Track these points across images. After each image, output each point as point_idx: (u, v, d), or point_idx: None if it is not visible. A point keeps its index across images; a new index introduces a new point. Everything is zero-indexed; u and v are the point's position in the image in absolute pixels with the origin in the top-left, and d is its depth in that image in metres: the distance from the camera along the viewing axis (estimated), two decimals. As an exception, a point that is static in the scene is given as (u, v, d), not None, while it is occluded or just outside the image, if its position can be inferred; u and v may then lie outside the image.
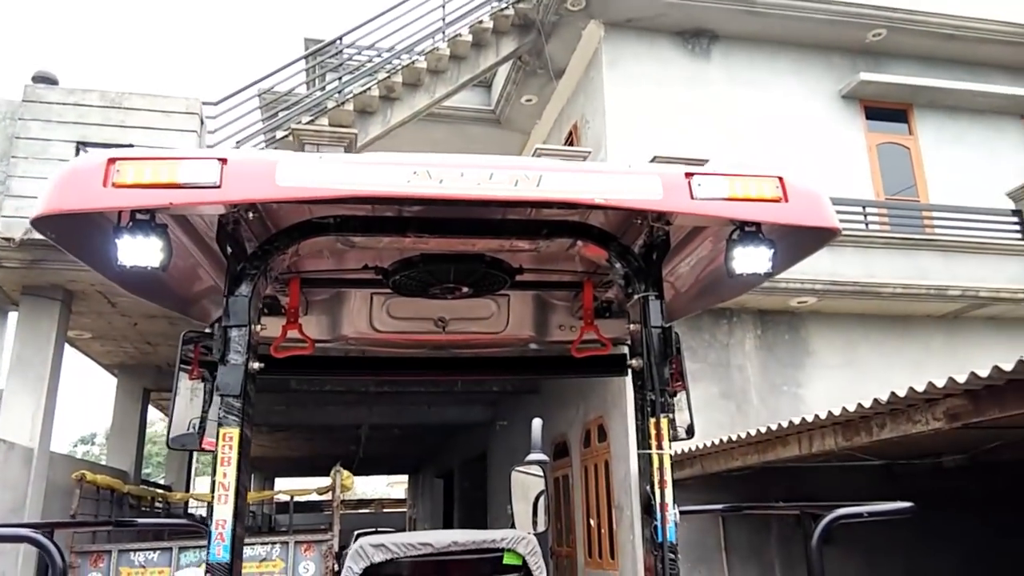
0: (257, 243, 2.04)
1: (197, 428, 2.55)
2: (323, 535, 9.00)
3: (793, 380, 9.99)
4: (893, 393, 5.02)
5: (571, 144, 12.12)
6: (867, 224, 10.62)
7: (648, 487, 1.91)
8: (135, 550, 8.61)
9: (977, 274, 10.30)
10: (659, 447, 1.89)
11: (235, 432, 1.80)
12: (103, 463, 12.46)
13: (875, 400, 5.20)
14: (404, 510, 37.64)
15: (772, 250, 1.87)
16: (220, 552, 1.71)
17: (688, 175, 1.78)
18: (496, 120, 13.99)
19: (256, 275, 1.91)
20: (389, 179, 1.70)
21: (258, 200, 1.79)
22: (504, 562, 2.13)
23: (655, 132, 10.40)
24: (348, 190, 1.66)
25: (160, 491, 12.48)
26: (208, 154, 1.68)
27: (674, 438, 2.04)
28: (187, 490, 15.60)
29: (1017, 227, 10.91)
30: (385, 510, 39.38)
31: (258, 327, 1.95)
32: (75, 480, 8.51)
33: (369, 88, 10.11)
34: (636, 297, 1.99)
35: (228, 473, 1.77)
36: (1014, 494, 9.00)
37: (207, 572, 1.71)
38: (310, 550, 8.82)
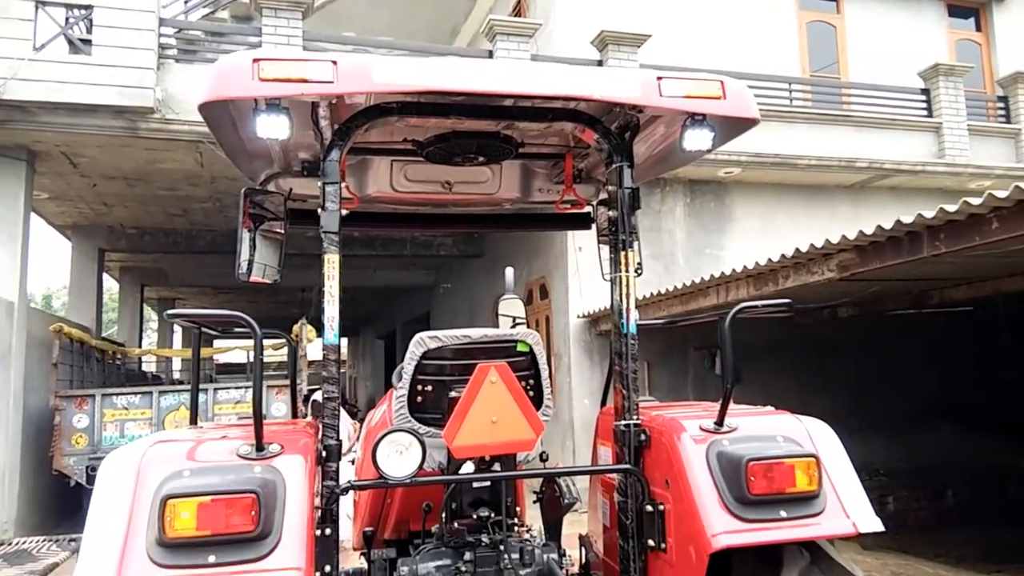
0: (330, 123, 2.68)
1: (245, 268, 3.24)
2: (288, 380, 9.92)
3: (716, 244, 11.09)
4: (797, 249, 6.03)
5: (518, 14, 12.41)
6: (792, 100, 11.50)
7: (618, 298, 2.75)
8: (118, 394, 9.35)
9: (884, 147, 11.38)
10: (627, 271, 2.73)
11: (336, 257, 2.51)
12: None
13: (782, 255, 6.22)
14: (345, 371, 38.96)
15: (713, 133, 2.63)
16: (331, 337, 2.48)
17: (659, 78, 2.50)
18: (443, -17, 14.02)
19: (343, 145, 2.56)
20: (448, 77, 2.36)
21: (360, 92, 2.42)
22: (517, 348, 2.96)
23: (600, 4, 10.84)
24: (425, 86, 2.32)
25: (119, 346, 13.04)
26: (325, 58, 2.30)
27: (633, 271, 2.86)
28: (140, 346, 16.23)
29: (924, 105, 11.96)
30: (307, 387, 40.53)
31: (344, 184, 2.62)
32: (54, 332, 9.04)
33: (320, -49, 10.11)
34: (615, 166, 2.75)
35: (332, 286, 2.50)
36: (894, 342, 10.48)
37: (323, 350, 2.48)
38: (281, 393, 9.73)
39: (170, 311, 2.46)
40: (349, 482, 2.46)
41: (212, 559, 1.93)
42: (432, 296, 19.27)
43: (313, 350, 10.44)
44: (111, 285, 18.23)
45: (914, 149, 11.58)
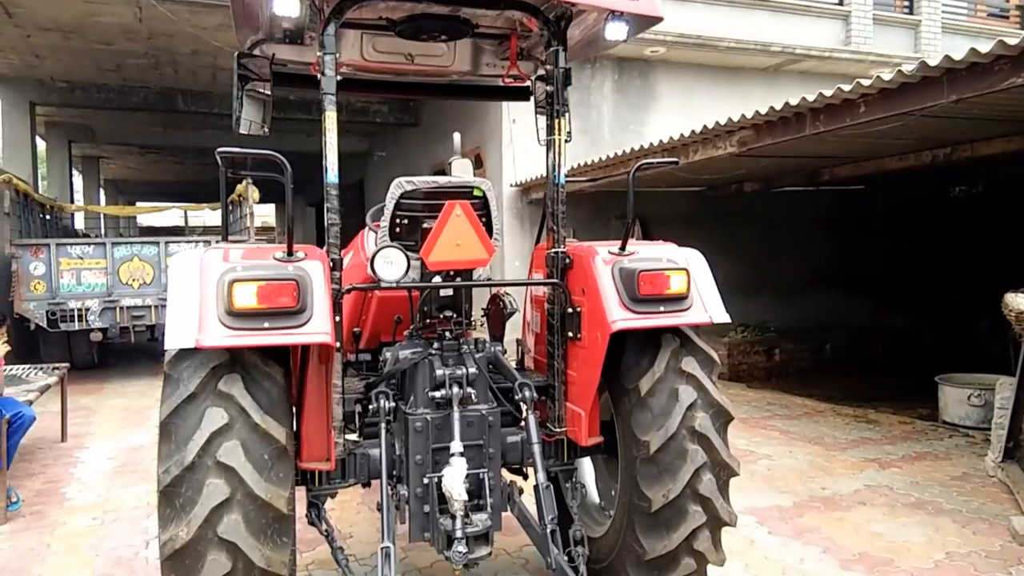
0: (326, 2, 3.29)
1: (237, 124, 3.89)
2: (240, 237, 10.49)
3: (639, 121, 11.92)
4: (704, 126, 6.91)
5: None
6: (717, -18, 12.10)
7: (552, 158, 3.57)
8: (72, 244, 9.77)
9: (797, 33, 12.23)
10: (559, 135, 3.54)
11: (333, 114, 3.19)
12: None
13: (692, 131, 7.10)
14: (274, 236, 38.88)
15: (627, 27, 3.39)
16: (331, 177, 3.21)
17: (589, -17, 3.22)
18: None
19: (339, 21, 3.19)
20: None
21: None
22: (474, 193, 3.76)
23: None
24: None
25: (55, 201, 13.18)
26: None
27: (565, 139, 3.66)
28: (71, 203, 16.25)
29: (837, -8, 12.77)
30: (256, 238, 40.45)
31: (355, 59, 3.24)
32: (4, 183, 9.29)
33: None
34: (552, 49, 3.48)
35: (330, 140, 3.20)
36: (792, 217, 11.71)
37: (326, 187, 3.21)
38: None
39: (221, 148, 3.07)
40: (352, 284, 3.30)
41: (267, 325, 2.75)
42: (367, 163, 19.59)
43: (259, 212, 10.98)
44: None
45: (824, 36, 12.47)
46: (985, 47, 4.25)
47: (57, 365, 7.19)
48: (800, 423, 7.78)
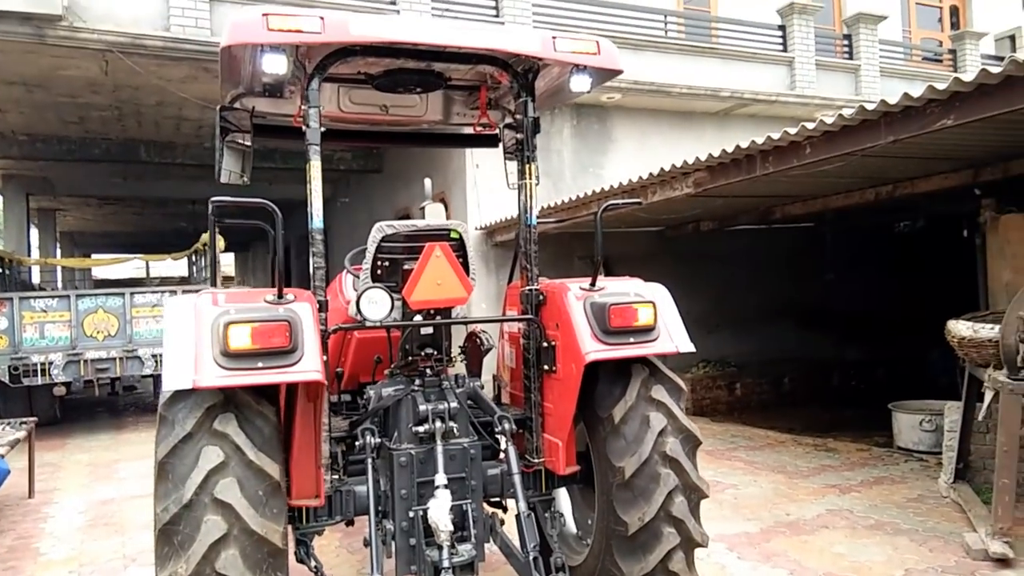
0: (309, 60, 3.49)
1: (217, 172, 4.05)
2: (202, 286, 10.51)
3: (598, 163, 12.30)
4: (661, 168, 7.23)
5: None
6: (667, 31, 12.66)
7: (523, 200, 3.79)
8: (35, 297, 9.69)
9: (745, 79, 12.81)
10: (530, 179, 3.76)
11: (318, 163, 3.36)
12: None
13: (650, 173, 7.42)
14: (232, 287, 38.55)
15: (591, 79, 3.65)
16: (316, 223, 3.38)
17: (554, 38, 3.47)
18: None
19: (321, 77, 3.39)
20: (406, 31, 3.25)
21: (341, 43, 3.24)
22: (451, 236, 3.95)
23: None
24: (389, 38, 3.20)
25: (13, 255, 13.04)
26: (314, 14, 3.12)
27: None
28: (29, 256, 16.03)
29: (780, 40, 13.43)
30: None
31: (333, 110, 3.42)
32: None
33: None
34: (521, 100, 3.73)
35: (315, 188, 3.37)
36: (749, 254, 12.12)
37: (311, 231, 3.38)
38: (196, 297, 10.30)
39: (215, 198, 3.23)
40: (337, 325, 3.45)
41: (260, 364, 2.88)
42: (330, 210, 19.67)
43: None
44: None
45: (771, 81, 13.09)
46: (919, 90, 4.60)
47: (24, 420, 7.12)
48: (763, 453, 8.02)
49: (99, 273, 28.38)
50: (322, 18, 3.12)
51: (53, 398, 10.42)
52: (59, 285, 18.32)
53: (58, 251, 22.70)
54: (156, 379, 11.46)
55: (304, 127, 3.40)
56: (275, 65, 3.19)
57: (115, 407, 13.55)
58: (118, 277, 35.35)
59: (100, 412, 12.84)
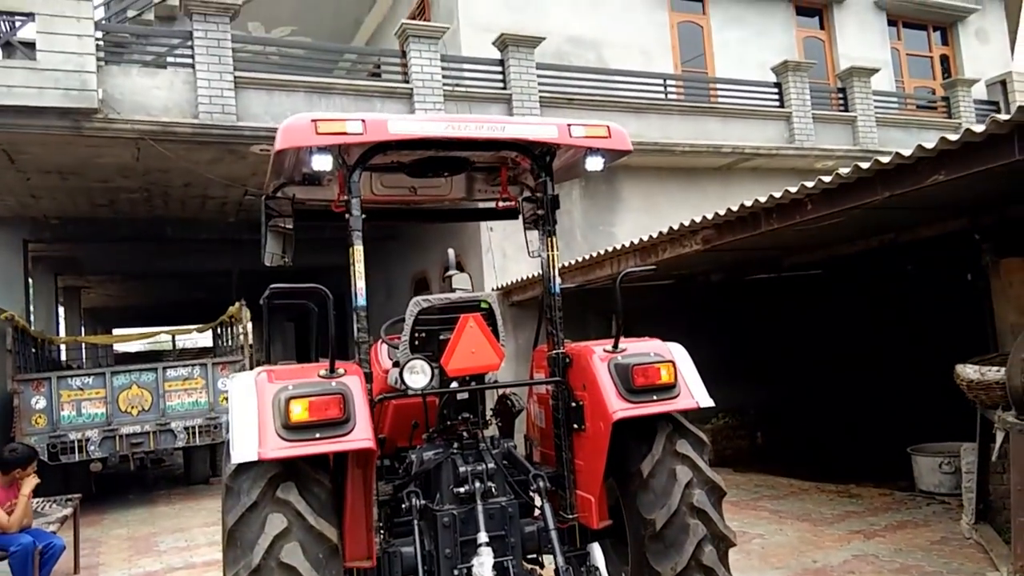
0: (350, 155, 3.86)
1: (262, 255, 4.40)
2: (236, 357, 10.85)
3: (608, 222, 12.68)
4: (671, 227, 7.56)
5: (422, 10, 13.56)
6: (667, 94, 13.18)
7: (547, 269, 4.10)
8: (72, 376, 10.03)
9: (745, 134, 13.26)
10: (553, 251, 4.09)
11: (360, 247, 3.71)
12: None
13: (660, 232, 7.75)
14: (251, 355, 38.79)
15: (603, 159, 4.01)
16: (360, 300, 3.69)
17: (569, 126, 3.82)
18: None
19: (362, 168, 3.76)
20: (437, 128, 3.61)
21: (382, 140, 3.61)
22: (481, 306, 4.26)
23: (497, 5, 12.18)
24: (421, 134, 3.57)
25: (44, 334, 13.44)
26: (357, 117, 3.49)
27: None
28: (57, 335, 16.46)
29: (776, 96, 13.92)
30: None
31: (366, 194, 3.76)
32: (6, 320, 9.62)
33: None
34: (541, 179, 4.09)
35: (358, 270, 3.71)
36: (758, 305, 12.37)
37: (355, 309, 3.68)
38: (225, 370, 10.63)
39: (274, 285, 3.55)
40: (382, 395, 3.74)
41: (317, 435, 3.16)
42: (348, 277, 20.10)
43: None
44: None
45: (770, 135, 13.53)
46: (917, 137, 4.92)
47: (70, 496, 7.36)
48: (787, 502, 8.14)
49: (118, 346, 28.86)
50: (363, 120, 3.49)
51: (89, 474, 10.67)
52: (83, 361, 18.73)
53: (82, 328, 23.16)
54: (187, 452, 11.72)
55: (347, 215, 3.74)
56: (322, 164, 3.56)
57: (144, 481, 13.76)
58: (137, 350, 35.85)
59: (131, 486, 13.04)
